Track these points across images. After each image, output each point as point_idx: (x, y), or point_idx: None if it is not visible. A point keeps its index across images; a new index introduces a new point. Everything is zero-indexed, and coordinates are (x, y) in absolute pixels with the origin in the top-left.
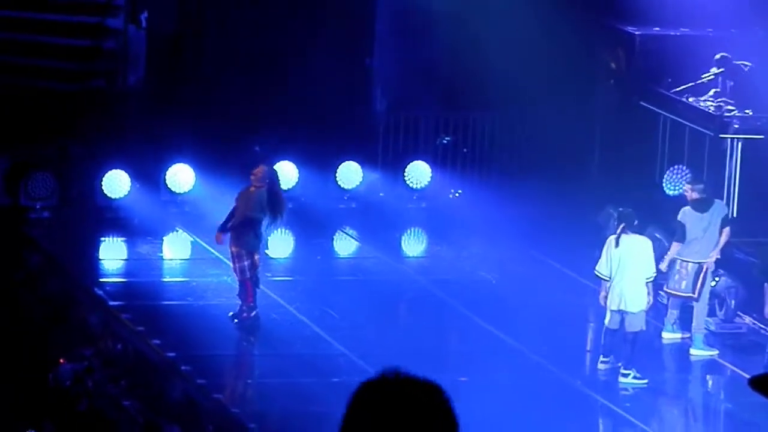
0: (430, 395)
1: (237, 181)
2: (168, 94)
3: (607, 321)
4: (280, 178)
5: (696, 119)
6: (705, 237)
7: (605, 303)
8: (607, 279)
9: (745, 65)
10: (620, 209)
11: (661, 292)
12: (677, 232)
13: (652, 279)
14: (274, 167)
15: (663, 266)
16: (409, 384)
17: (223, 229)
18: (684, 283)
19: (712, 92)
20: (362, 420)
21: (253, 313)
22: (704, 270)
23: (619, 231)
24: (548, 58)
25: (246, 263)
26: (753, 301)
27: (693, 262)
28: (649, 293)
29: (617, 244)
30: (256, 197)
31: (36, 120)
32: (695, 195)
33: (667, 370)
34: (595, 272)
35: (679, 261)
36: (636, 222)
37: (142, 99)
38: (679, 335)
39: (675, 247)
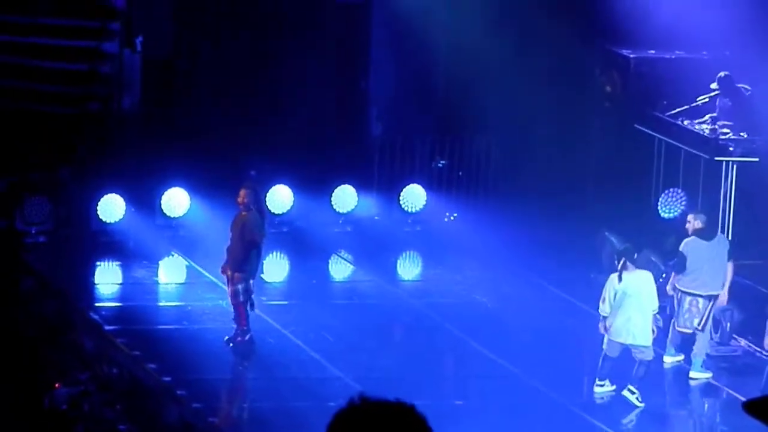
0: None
1: (232, 205)
2: (163, 118)
3: (606, 348)
4: (261, 197)
5: (691, 142)
6: (711, 268)
7: (605, 332)
8: (607, 315)
9: (746, 89)
10: (619, 246)
11: (657, 316)
12: (678, 263)
13: (657, 311)
14: (257, 190)
15: (669, 289)
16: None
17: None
18: (696, 321)
19: (708, 116)
20: None
21: (247, 337)
22: (711, 304)
23: (620, 267)
24: (544, 81)
25: (240, 287)
26: (748, 324)
27: (703, 297)
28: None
29: (620, 280)
30: (250, 221)
31: (31, 144)
32: (699, 224)
33: (663, 393)
34: (599, 312)
35: (688, 298)
36: (636, 255)
37: (137, 123)
38: (681, 357)
39: (674, 277)
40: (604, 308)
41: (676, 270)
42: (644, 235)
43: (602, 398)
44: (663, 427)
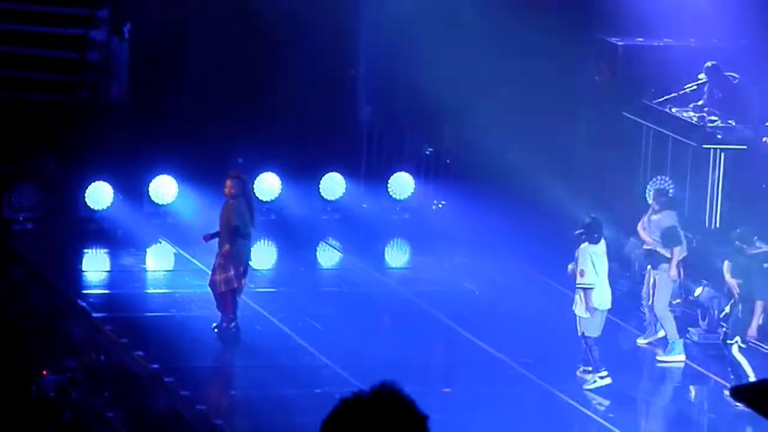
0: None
1: (220, 193)
2: (151, 106)
3: (597, 331)
4: (248, 186)
5: (679, 130)
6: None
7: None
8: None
9: (734, 77)
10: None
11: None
12: (678, 237)
13: None
14: (243, 177)
15: (673, 273)
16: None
17: (210, 235)
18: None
19: (697, 103)
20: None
21: (233, 324)
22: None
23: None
24: (533, 69)
25: (231, 274)
26: None
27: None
28: None
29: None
30: (234, 208)
31: (19, 132)
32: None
33: (647, 380)
34: (586, 284)
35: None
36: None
37: (125, 111)
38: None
39: (678, 251)
40: (591, 278)
41: (680, 243)
42: (631, 221)
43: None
44: (649, 415)
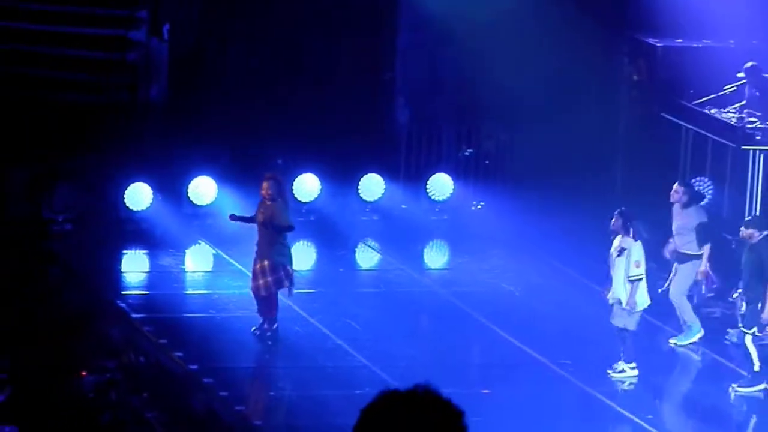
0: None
1: (259, 194)
2: (190, 107)
3: (635, 325)
4: (284, 187)
5: (718, 131)
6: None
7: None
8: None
9: None
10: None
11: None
12: (710, 234)
13: None
14: (278, 178)
15: (702, 270)
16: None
17: (238, 217)
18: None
19: (735, 105)
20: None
21: (274, 326)
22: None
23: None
24: (571, 69)
25: (282, 275)
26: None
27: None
28: None
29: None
30: (277, 209)
31: (58, 132)
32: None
33: (684, 380)
34: (635, 276)
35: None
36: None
37: (164, 111)
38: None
39: (708, 248)
40: (641, 271)
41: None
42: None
43: (630, 382)
44: (690, 416)
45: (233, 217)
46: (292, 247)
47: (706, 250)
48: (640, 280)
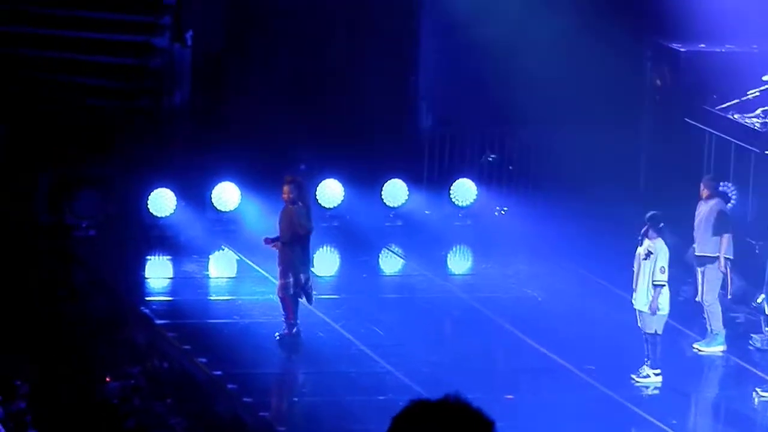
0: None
1: (282, 200)
2: (213, 113)
3: (661, 328)
4: (305, 190)
5: (741, 136)
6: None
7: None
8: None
9: None
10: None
11: None
12: (728, 223)
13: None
14: (299, 181)
15: (722, 263)
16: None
17: (270, 240)
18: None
19: (758, 110)
20: None
21: (294, 330)
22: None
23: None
24: (594, 75)
25: (290, 280)
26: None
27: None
28: None
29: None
30: (297, 214)
31: (82, 138)
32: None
33: (710, 386)
34: (660, 281)
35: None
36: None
37: (187, 117)
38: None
39: (728, 238)
40: (665, 277)
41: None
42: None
43: (654, 388)
44: (715, 422)
45: (267, 241)
46: (314, 253)
47: (726, 238)
48: (663, 286)
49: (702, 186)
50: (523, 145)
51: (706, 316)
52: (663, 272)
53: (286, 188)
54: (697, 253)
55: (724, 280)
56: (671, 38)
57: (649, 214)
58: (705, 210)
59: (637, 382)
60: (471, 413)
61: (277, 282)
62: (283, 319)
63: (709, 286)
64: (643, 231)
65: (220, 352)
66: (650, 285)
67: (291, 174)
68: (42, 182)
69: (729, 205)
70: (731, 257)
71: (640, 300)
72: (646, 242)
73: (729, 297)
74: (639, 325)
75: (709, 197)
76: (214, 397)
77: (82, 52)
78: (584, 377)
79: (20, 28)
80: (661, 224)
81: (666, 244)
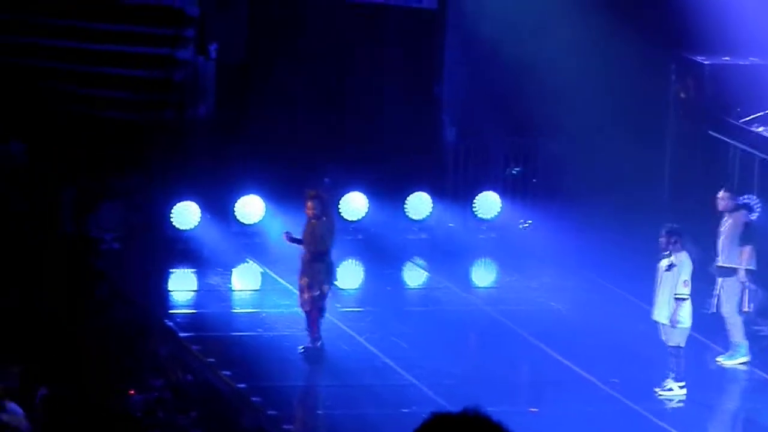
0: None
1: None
2: (237, 125)
3: (683, 341)
4: (328, 203)
5: (766, 149)
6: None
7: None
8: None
9: None
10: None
11: None
12: (751, 236)
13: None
14: (322, 195)
15: (742, 274)
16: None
17: (292, 238)
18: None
19: None
20: None
21: (318, 344)
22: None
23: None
24: (618, 87)
25: (316, 294)
26: None
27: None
28: None
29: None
30: (319, 229)
31: (105, 151)
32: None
33: (734, 398)
34: (682, 295)
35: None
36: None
37: (211, 130)
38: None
39: (749, 251)
40: (688, 291)
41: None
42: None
43: (678, 401)
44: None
45: (288, 236)
46: (337, 266)
47: (747, 250)
48: (685, 300)
49: (724, 199)
50: (547, 157)
51: (728, 328)
52: (686, 286)
53: (309, 204)
54: (719, 264)
55: (743, 293)
56: (695, 51)
57: (669, 228)
58: (730, 222)
59: (661, 395)
60: (490, 426)
61: (303, 295)
62: (307, 332)
63: (727, 297)
64: (663, 244)
65: (244, 365)
66: (671, 298)
67: (313, 188)
68: (66, 195)
69: (753, 216)
70: (754, 269)
71: (660, 313)
72: (670, 255)
73: (746, 310)
74: (662, 338)
75: (733, 209)
76: (238, 410)
77: (106, 65)
78: (608, 390)
79: (42, 40)
80: (678, 238)
81: (690, 257)
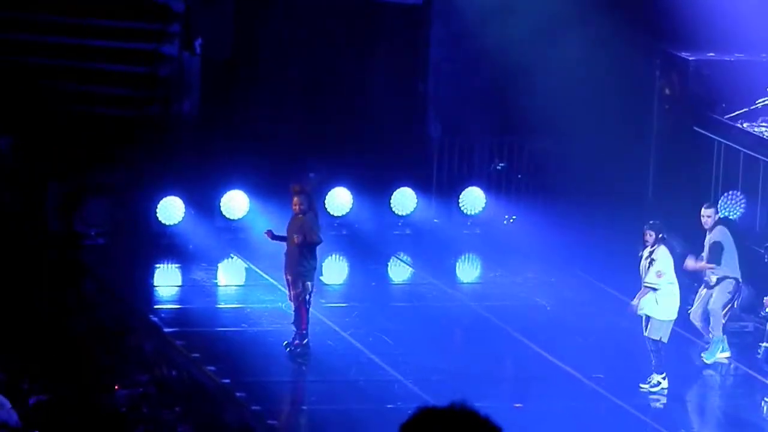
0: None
1: (291, 208)
2: (222, 121)
3: (666, 335)
4: (313, 199)
5: (750, 145)
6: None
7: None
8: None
9: None
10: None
11: None
12: (719, 256)
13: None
14: (307, 190)
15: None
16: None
17: (274, 235)
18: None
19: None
20: None
21: (305, 341)
22: None
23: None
24: (603, 83)
25: (301, 289)
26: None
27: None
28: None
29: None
30: (308, 223)
31: (91, 146)
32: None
33: (719, 395)
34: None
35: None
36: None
37: (196, 125)
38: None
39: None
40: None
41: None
42: (703, 236)
43: (662, 396)
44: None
45: (270, 234)
46: (323, 262)
47: (710, 265)
48: (654, 290)
49: (708, 217)
50: (532, 153)
51: (711, 323)
52: (659, 276)
53: (296, 200)
54: (713, 278)
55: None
56: (680, 47)
57: (650, 223)
58: (707, 240)
59: (646, 389)
60: (478, 420)
61: (290, 291)
62: (293, 328)
63: (718, 294)
64: (645, 239)
65: (228, 361)
66: (642, 285)
67: (298, 182)
68: (51, 191)
69: (736, 215)
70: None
71: (645, 306)
72: (649, 249)
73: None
74: (645, 333)
75: (712, 227)
76: (222, 405)
77: (91, 60)
78: (592, 386)
79: (28, 36)
80: (663, 233)
81: (671, 251)
